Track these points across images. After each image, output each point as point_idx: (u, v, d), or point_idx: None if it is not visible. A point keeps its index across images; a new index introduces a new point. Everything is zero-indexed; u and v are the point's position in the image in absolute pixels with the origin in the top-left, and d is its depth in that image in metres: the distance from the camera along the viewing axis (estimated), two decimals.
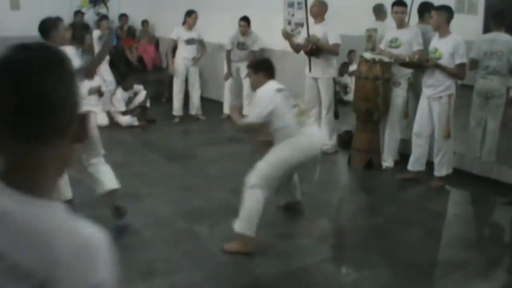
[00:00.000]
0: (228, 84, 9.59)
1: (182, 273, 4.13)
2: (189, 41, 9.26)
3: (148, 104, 9.26)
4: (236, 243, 4.42)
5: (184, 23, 9.32)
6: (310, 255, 4.49)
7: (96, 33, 9.63)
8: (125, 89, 9.06)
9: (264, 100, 4.48)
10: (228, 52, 9.35)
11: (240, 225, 4.40)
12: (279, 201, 5.26)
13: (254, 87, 4.67)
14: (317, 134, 4.85)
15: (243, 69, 9.21)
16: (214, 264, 4.30)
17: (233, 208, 5.34)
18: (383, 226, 5.08)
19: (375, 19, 7.43)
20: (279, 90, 4.52)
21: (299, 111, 4.58)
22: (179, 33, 9.29)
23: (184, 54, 9.29)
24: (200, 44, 9.42)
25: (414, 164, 6.30)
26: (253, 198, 4.39)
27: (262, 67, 4.72)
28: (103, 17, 12.15)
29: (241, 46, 9.20)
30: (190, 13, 9.16)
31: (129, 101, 9.12)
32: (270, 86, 4.56)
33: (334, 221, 5.35)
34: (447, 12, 5.83)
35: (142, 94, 9.18)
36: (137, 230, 4.90)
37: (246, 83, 9.22)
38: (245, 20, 9.03)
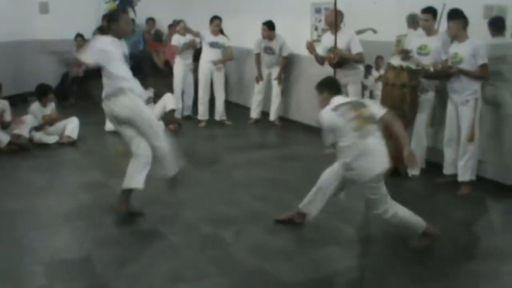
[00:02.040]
0: (257, 88, 9.60)
1: (208, 279, 4.14)
2: (213, 44, 9.34)
3: (175, 107, 9.29)
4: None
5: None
6: (337, 263, 4.47)
7: None
8: (145, 87, 9.07)
9: (324, 124, 4.60)
10: (257, 56, 9.39)
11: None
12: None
13: (321, 106, 4.73)
14: (374, 161, 4.54)
15: (274, 74, 9.28)
16: (240, 270, 4.31)
17: (259, 214, 5.39)
18: (409, 235, 5.04)
19: (407, 27, 7.39)
20: (336, 108, 4.52)
21: (357, 124, 4.46)
22: (205, 34, 9.37)
23: (208, 57, 9.35)
24: (226, 50, 9.46)
25: (448, 167, 6.34)
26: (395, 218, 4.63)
27: (324, 86, 4.79)
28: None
29: (268, 50, 9.25)
30: (212, 20, 9.31)
31: (147, 101, 9.16)
32: (329, 106, 4.60)
33: (360, 229, 5.32)
34: (462, 19, 5.91)
35: (168, 98, 9.21)
36: (163, 235, 4.93)
37: (275, 84, 9.28)
38: (266, 24, 9.08)
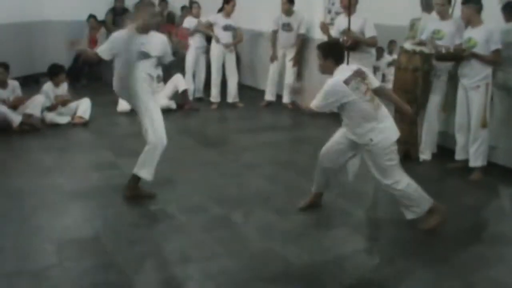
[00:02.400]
0: (272, 69, 9.54)
1: (216, 260, 4.16)
2: (226, 28, 9.30)
3: (187, 87, 9.32)
4: None
5: (221, 9, 9.36)
6: (344, 246, 4.48)
7: None
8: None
9: (328, 93, 4.49)
10: (274, 34, 9.31)
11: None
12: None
13: (323, 72, 4.69)
14: (390, 127, 4.63)
15: (288, 56, 9.21)
16: (248, 251, 4.32)
17: (268, 195, 5.40)
18: (418, 219, 5.03)
19: (421, 10, 7.32)
20: (347, 81, 4.46)
21: (371, 96, 4.55)
22: (216, 19, 9.33)
23: (221, 40, 9.31)
24: (236, 32, 9.43)
25: (460, 153, 6.34)
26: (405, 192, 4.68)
27: (332, 53, 4.62)
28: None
29: (286, 27, 9.14)
30: (228, 0, 9.17)
31: (158, 79, 9.17)
32: (339, 77, 4.50)
33: (368, 212, 5.31)
34: (476, 4, 5.88)
35: (179, 79, 9.24)
36: (172, 216, 4.95)
37: (289, 65, 9.21)
38: None
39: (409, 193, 4.59)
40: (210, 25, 9.45)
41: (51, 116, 7.98)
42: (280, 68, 9.46)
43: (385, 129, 4.53)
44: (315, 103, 4.56)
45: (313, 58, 9.13)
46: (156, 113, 5.24)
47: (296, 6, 9.08)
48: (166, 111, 8.88)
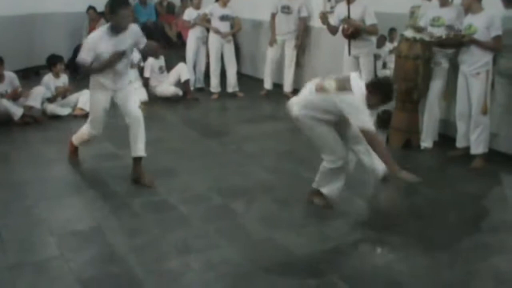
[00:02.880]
0: (270, 55, 9.47)
1: (217, 250, 4.16)
2: (223, 18, 9.26)
3: (189, 77, 9.33)
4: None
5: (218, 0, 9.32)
6: (346, 235, 4.47)
7: None
8: (156, 57, 9.10)
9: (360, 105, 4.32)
10: (273, 17, 9.22)
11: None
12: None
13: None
14: None
15: (288, 44, 9.15)
16: (249, 241, 4.32)
17: (269, 185, 5.40)
18: (420, 208, 5.03)
19: None
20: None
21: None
22: (213, 9, 9.29)
23: (219, 29, 9.28)
24: (234, 21, 9.40)
25: (460, 140, 6.32)
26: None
27: (380, 91, 4.37)
28: None
29: (285, 10, 9.06)
30: None
31: (160, 70, 9.21)
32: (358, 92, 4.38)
33: (370, 201, 5.30)
34: None
35: (183, 68, 9.24)
36: (173, 206, 4.95)
37: (288, 53, 9.15)
38: None
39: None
40: (206, 17, 9.42)
41: (52, 108, 7.97)
42: (278, 56, 9.41)
43: None
44: (368, 123, 4.28)
45: (312, 45, 9.17)
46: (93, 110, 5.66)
47: None
48: (171, 100, 8.96)
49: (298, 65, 9.38)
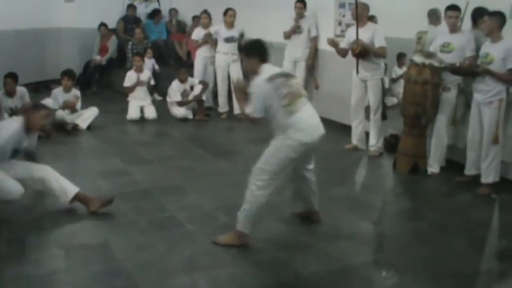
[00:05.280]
0: None
1: (224, 268, 4.17)
2: (228, 39, 9.33)
3: (204, 98, 9.38)
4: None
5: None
6: (352, 257, 4.47)
7: None
8: (181, 81, 9.19)
9: (256, 94, 4.39)
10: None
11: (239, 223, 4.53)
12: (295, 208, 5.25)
13: (248, 72, 4.56)
14: (311, 124, 4.51)
15: (299, 67, 9.16)
16: (256, 260, 4.33)
17: (276, 205, 5.38)
18: (426, 232, 5.04)
19: (428, 23, 7.34)
20: (270, 79, 4.36)
21: (289, 101, 4.37)
22: (218, 30, 9.37)
23: (224, 50, 9.34)
24: (242, 38, 9.47)
25: (470, 168, 6.28)
26: (254, 197, 4.47)
27: (255, 50, 4.51)
28: (157, 12, 12.36)
29: (297, 29, 9.12)
30: (225, 12, 9.31)
31: (184, 93, 9.25)
32: (263, 75, 4.40)
33: (376, 224, 5.31)
34: (500, 17, 5.76)
35: (198, 88, 9.31)
36: (181, 224, 4.96)
37: (299, 74, 9.13)
38: (302, 2, 9.00)
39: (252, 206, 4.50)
40: (211, 36, 9.52)
41: (61, 114, 8.02)
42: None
43: (310, 124, 4.48)
44: (250, 109, 4.45)
45: (322, 67, 9.21)
46: None
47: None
48: (183, 120, 9.00)
49: (309, 86, 9.39)
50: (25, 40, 10.56)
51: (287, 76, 4.52)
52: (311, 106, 4.60)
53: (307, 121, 4.45)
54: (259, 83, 4.39)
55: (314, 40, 9.16)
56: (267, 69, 4.46)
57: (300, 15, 9.01)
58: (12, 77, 7.79)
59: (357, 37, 7.09)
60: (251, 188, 4.49)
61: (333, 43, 7.44)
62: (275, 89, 4.33)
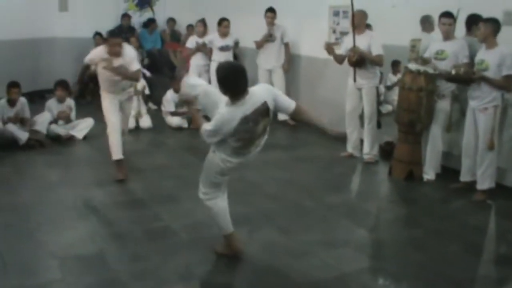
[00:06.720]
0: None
1: (220, 277, 4.17)
2: (223, 48, 9.47)
3: (200, 107, 9.36)
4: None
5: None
6: (348, 265, 4.47)
7: None
8: (175, 91, 9.17)
9: (220, 118, 4.22)
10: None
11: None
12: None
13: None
14: (241, 163, 4.53)
15: (274, 75, 9.26)
16: (252, 268, 4.33)
17: (272, 214, 5.40)
18: (422, 238, 5.03)
19: (421, 30, 7.36)
20: (243, 120, 4.12)
21: (243, 144, 4.32)
22: (213, 39, 9.46)
23: (219, 59, 9.35)
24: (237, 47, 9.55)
25: (465, 175, 6.28)
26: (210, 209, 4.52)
27: (225, 90, 4.22)
28: (151, 21, 12.36)
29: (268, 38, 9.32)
30: (219, 22, 9.47)
31: (179, 103, 9.25)
32: (241, 108, 4.14)
33: (372, 231, 5.31)
34: (494, 24, 5.78)
35: None
36: (176, 232, 4.95)
37: (277, 82, 9.19)
38: (272, 11, 9.18)
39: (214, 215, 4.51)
40: (205, 45, 9.59)
41: (54, 126, 8.02)
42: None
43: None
44: (207, 127, 4.35)
45: (317, 77, 9.23)
46: None
47: (301, 26, 9.23)
48: (178, 129, 8.99)
49: (298, 95, 9.39)
50: (19, 50, 10.52)
51: (258, 119, 4.18)
52: (261, 145, 4.47)
53: (241, 161, 4.46)
54: (231, 113, 4.12)
55: (287, 46, 9.31)
56: (245, 102, 4.15)
57: (271, 24, 9.18)
58: (17, 86, 7.80)
59: (354, 45, 7.10)
60: (201, 198, 4.58)
61: (329, 48, 7.45)
62: (238, 131, 4.12)
